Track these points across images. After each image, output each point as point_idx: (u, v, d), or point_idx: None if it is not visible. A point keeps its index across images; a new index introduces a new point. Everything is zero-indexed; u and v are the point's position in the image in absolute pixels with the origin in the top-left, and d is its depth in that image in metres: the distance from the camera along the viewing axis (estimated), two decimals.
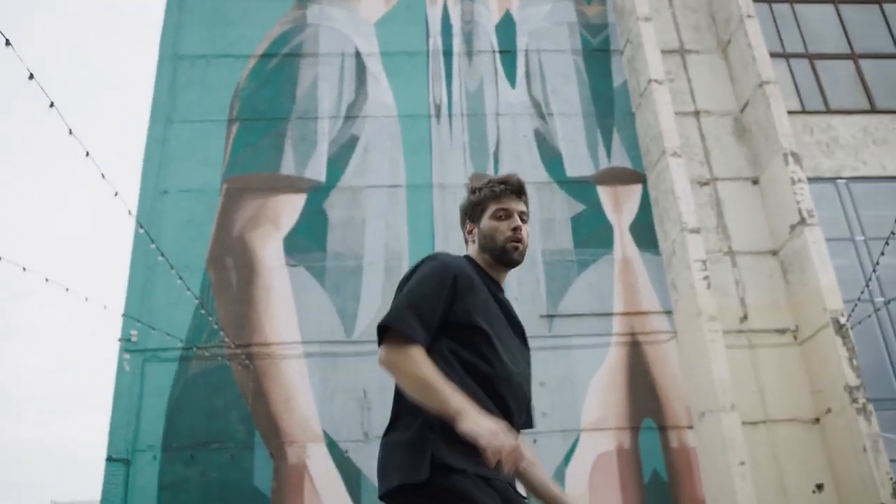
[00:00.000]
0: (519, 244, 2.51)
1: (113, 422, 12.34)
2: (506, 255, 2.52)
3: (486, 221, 2.53)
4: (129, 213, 9.96)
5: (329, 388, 12.57)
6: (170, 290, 12.76)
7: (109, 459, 12.12)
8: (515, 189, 2.53)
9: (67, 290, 10.64)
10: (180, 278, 11.67)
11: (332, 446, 12.20)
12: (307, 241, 13.52)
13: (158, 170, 13.86)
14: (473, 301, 2.40)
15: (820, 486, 12.32)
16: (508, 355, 2.42)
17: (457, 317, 2.39)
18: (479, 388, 2.32)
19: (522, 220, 2.54)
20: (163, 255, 11.54)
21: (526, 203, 2.57)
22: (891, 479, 11.48)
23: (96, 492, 12.21)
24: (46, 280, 9.96)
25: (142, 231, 11.92)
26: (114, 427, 12.31)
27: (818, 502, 12.20)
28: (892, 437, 12.43)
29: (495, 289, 2.55)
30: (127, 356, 12.66)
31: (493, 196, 2.52)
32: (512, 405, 2.37)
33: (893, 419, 13.07)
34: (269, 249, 13.45)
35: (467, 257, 2.62)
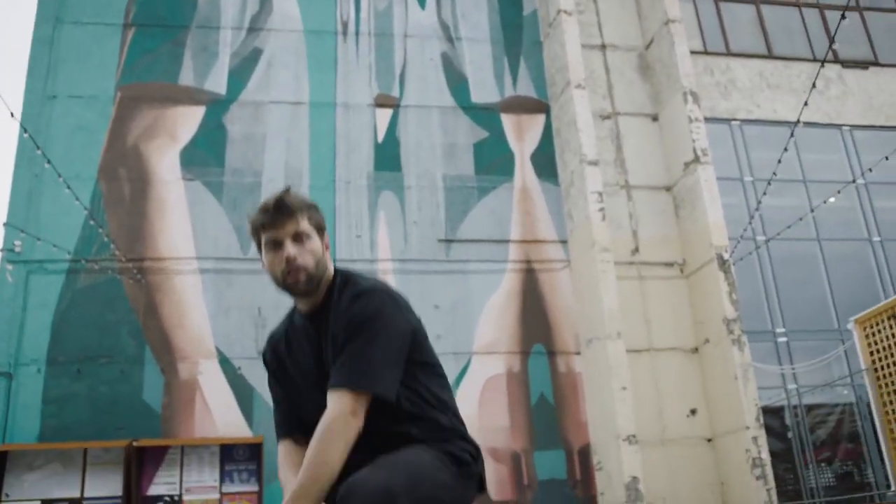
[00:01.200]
0: (298, 275, 2.25)
1: None
2: (289, 289, 2.30)
3: (264, 257, 2.33)
4: (12, 115, 9.48)
5: (223, 304, 12.47)
6: (58, 200, 12.27)
7: None
8: (276, 213, 2.27)
9: None
10: (68, 187, 11.21)
11: (226, 363, 12.18)
12: (205, 155, 13.17)
13: (46, 73, 13.14)
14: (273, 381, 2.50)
15: (693, 411, 13.13)
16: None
17: None
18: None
19: (301, 240, 2.28)
20: (49, 162, 11.05)
21: (305, 212, 2.31)
22: (756, 405, 12.34)
23: None
24: None
25: (27, 136, 11.32)
26: None
27: (691, 425, 13.02)
28: (761, 367, 13.32)
29: (304, 328, 2.33)
30: (10, 266, 12.18)
31: (260, 227, 2.32)
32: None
33: (765, 350, 14.00)
34: (165, 162, 13.04)
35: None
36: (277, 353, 2.38)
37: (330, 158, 13.45)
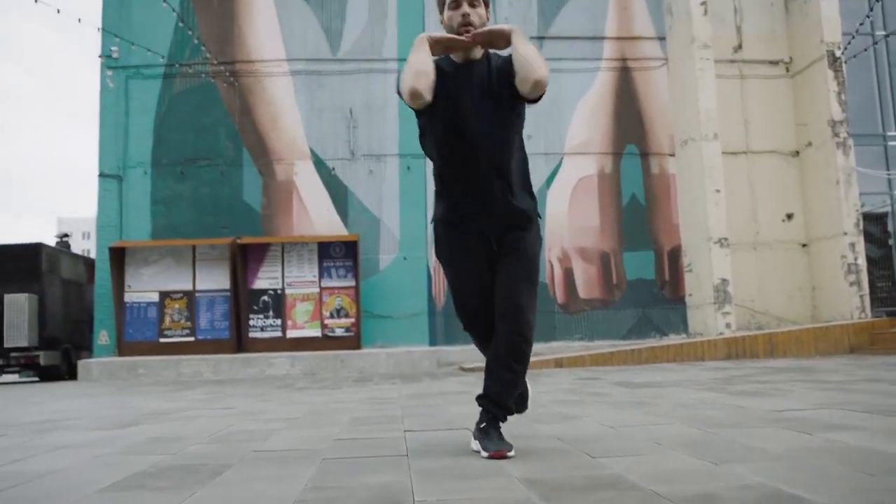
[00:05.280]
0: (469, 27, 2.88)
1: (102, 139, 12.68)
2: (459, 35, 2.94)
3: (444, 13, 2.97)
4: None
5: (315, 106, 12.77)
6: (149, 5, 12.52)
7: (102, 175, 12.62)
8: None
9: (36, 0, 10.47)
10: None
11: (320, 164, 12.66)
12: None
13: None
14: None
15: (790, 216, 13.05)
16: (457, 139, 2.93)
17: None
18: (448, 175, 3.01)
19: (473, 5, 2.91)
20: None
21: None
22: (857, 210, 12.14)
23: (94, 208, 12.85)
24: None
25: None
26: (103, 144, 12.67)
27: (786, 230, 12.99)
28: (866, 172, 12.95)
29: (460, 72, 2.98)
30: (110, 73, 12.71)
31: None
32: (466, 171, 2.95)
33: (872, 154, 13.52)
34: None
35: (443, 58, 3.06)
36: (436, 92, 2.91)
37: None
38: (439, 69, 2.91)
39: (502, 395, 2.81)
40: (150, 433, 3.75)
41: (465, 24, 2.88)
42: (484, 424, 2.77)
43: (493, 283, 2.92)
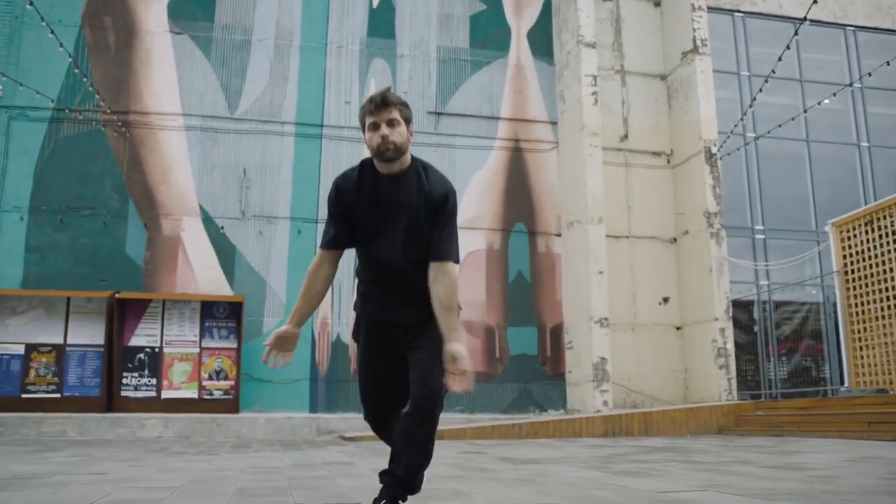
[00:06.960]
0: (388, 146, 3.00)
1: None
2: (380, 155, 3.05)
3: (366, 134, 3.09)
4: None
5: (208, 163, 12.63)
6: (40, 46, 12.19)
7: None
8: (379, 103, 3.02)
9: None
10: (52, 32, 11.10)
11: (209, 222, 12.47)
12: (194, 8, 13.02)
13: None
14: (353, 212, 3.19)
15: (666, 299, 13.70)
16: (380, 242, 3.15)
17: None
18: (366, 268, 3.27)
19: (392, 125, 3.02)
20: (32, 3, 10.90)
21: (398, 106, 3.06)
22: (727, 298, 12.87)
23: None
24: None
25: None
26: None
27: (662, 312, 13.61)
28: (736, 262, 13.79)
29: (386, 182, 3.13)
30: None
31: (367, 112, 3.06)
32: (383, 270, 3.17)
33: (741, 245, 14.44)
34: (153, 13, 12.89)
35: (370, 161, 3.23)
36: (345, 199, 3.14)
37: (322, 20, 13.34)
38: (360, 182, 3.09)
39: (409, 475, 2.93)
40: (17, 502, 3.55)
41: (385, 143, 2.96)
42: (384, 502, 2.85)
43: (399, 372, 3.08)
